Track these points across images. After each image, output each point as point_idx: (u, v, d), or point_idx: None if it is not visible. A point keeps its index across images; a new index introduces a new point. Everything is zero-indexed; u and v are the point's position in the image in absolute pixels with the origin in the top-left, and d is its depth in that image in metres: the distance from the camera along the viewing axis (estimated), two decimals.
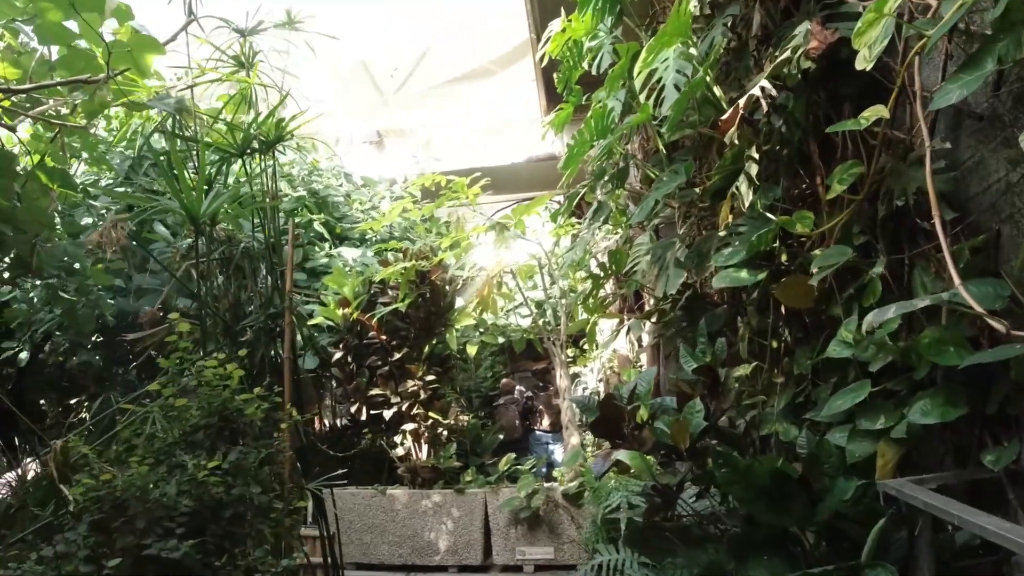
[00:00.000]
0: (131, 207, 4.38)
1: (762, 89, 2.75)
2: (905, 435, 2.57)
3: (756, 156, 3.01)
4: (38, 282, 6.02)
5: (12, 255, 5.04)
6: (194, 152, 4.16)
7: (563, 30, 5.00)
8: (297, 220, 7.64)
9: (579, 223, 6.12)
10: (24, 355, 7.59)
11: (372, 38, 9.50)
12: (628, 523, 3.76)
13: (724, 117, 2.84)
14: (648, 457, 3.05)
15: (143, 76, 3.59)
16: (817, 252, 3.13)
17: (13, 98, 4.15)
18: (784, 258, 3.29)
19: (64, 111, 4.61)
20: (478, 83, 9.11)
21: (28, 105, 4.73)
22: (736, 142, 2.93)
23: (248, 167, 4.35)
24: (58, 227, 5.84)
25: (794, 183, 3.52)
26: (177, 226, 5.89)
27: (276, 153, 4.47)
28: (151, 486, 2.70)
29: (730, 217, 3.27)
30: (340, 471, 4.45)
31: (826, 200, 3.24)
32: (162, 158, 4.18)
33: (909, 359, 2.66)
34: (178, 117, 3.92)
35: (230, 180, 5.32)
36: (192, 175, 3.92)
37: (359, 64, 9.44)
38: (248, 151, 4.08)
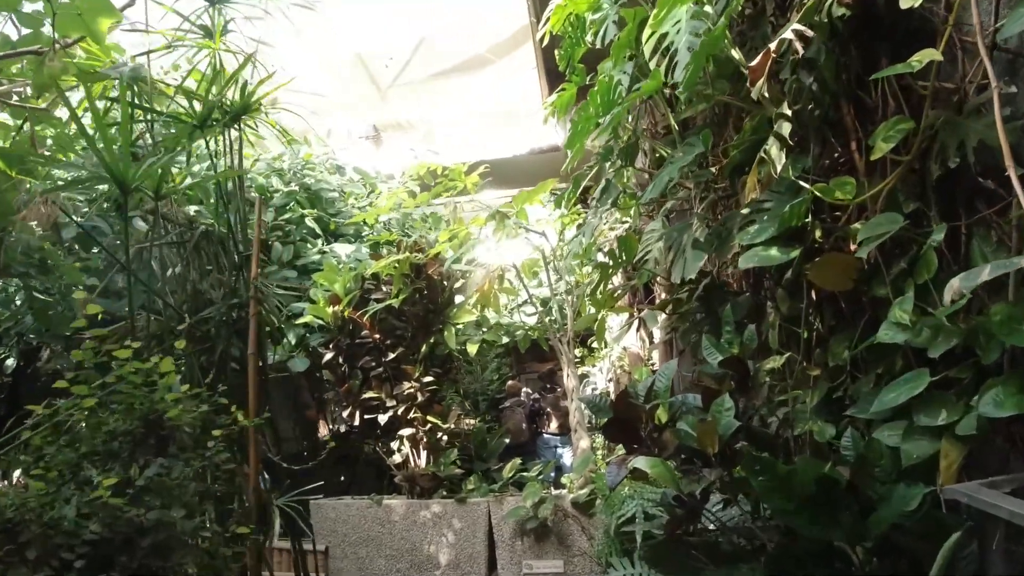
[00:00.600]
0: (80, 184, 3.98)
1: (795, 32, 2.37)
2: (974, 431, 2.19)
3: (788, 113, 2.62)
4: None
5: None
6: (152, 125, 3.79)
7: (564, 4, 4.63)
8: (288, 216, 7.30)
9: (585, 212, 5.74)
10: (10, 361, 7.28)
11: (368, 32, 9.15)
12: (645, 536, 3.37)
13: (753, 64, 2.46)
14: (669, 462, 2.67)
15: (97, 42, 3.23)
16: (857, 225, 2.75)
17: None
18: (818, 234, 2.90)
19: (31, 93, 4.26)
20: (476, 73, 8.75)
21: None
22: (766, 95, 2.54)
23: (213, 141, 3.97)
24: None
25: (825, 152, 3.15)
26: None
27: (248, 129, 4.11)
28: (48, 506, 2.28)
29: (757, 189, 2.90)
30: (316, 484, 4.05)
31: (864, 167, 2.87)
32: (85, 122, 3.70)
33: (975, 341, 2.27)
34: (135, 87, 3.56)
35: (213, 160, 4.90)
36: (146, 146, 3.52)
37: (354, 56, 9.08)
38: (211, 122, 3.70)
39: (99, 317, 3.49)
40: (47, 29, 3.40)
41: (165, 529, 2.37)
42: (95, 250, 6.19)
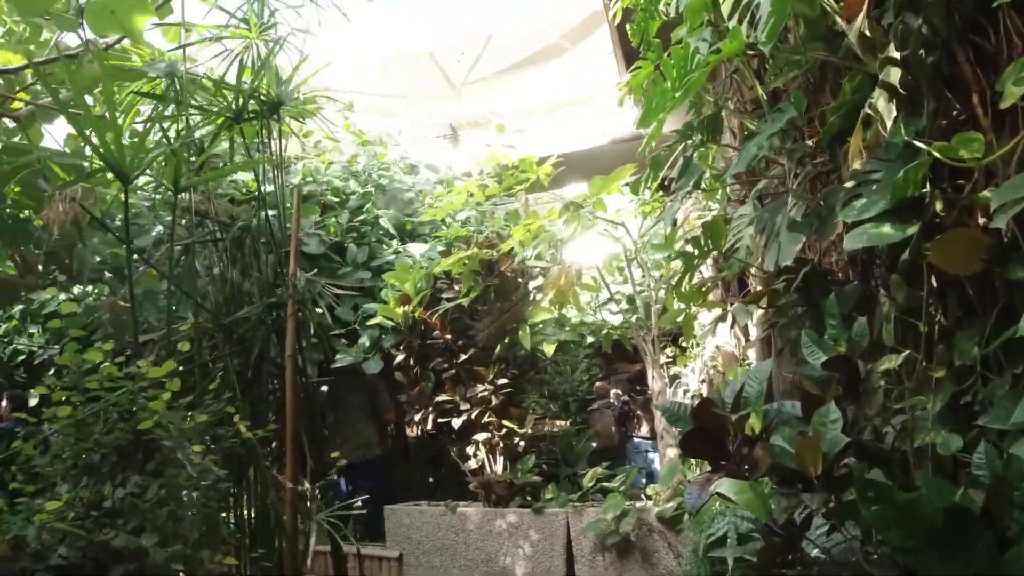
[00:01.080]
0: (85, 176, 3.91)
1: None
2: None
3: (896, 56, 2.17)
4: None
5: (44, 254, 4.75)
6: (188, 120, 3.65)
7: None
8: (363, 217, 7.21)
9: (669, 199, 5.32)
10: None
11: (437, 28, 8.97)
12: (737, 561, 2.94)
13: None
14: (763, 480, 2.25)
15: (134, 40, 3.11)
16: (986, 193, 2.26)
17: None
18: (939, 207, 2.41)
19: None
20: (551, 63, 8.40)
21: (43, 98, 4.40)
22: (867, 32, 2.10)
23: (256, 134, 3.80)
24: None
25: (940, 109, 2.65)
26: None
27: (323, 131, 3.93)
28: (11, 524, 2.08)
29: (863, 154, 2.44)
30: (357, 499, 3.81)
31: (991, 122, 2.38)
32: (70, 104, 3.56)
33: None
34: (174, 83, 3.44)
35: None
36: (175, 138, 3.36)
37: (427, 56, 8.91)
38: (248, 115, 3.52)
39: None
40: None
41: (137, 557, 2.14)
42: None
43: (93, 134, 2.88)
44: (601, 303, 7.01)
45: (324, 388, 6.62)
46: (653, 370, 5.37)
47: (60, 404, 2.60)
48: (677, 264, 5.70)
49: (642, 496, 5.49)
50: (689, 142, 4.21)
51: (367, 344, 6.25)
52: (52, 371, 6.06)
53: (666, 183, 5.15)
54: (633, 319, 5.83)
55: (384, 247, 7.06)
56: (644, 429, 7.86)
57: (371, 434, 7.25)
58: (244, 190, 6.32)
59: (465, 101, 9.30)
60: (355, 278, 6.37)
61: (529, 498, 5.63)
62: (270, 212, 4.18)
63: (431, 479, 7.82)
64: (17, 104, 4.57)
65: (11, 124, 4.51)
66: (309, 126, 6.56)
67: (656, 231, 5.21)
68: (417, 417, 6.04)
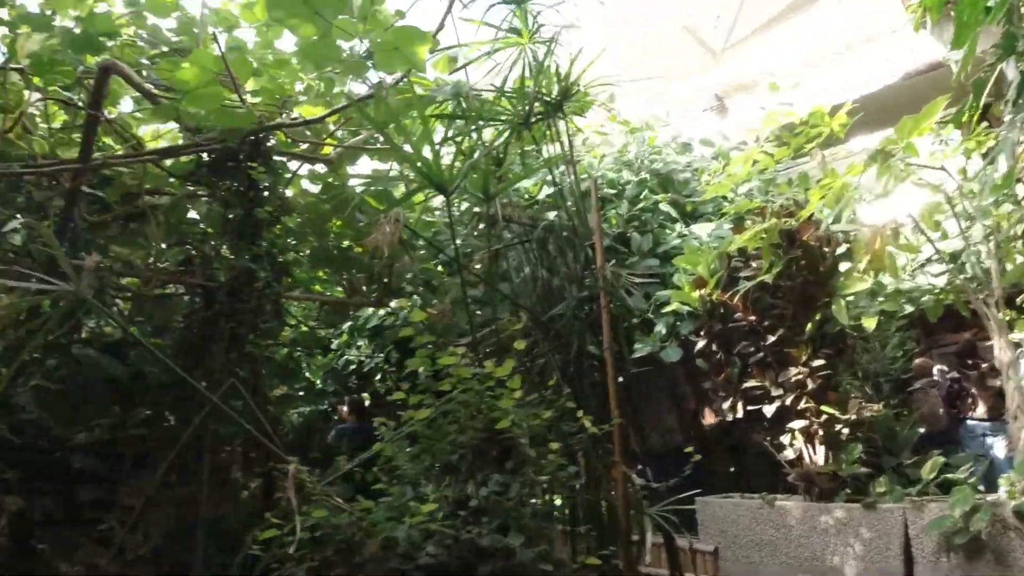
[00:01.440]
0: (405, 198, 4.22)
1: None
2: None
3: None
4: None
5: (373, 275, 5.35)
6: (481, 132, 3.82)
7: None
8: (642, 205, 7.14)
9: (994, 133, 4.47)
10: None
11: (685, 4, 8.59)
12: None
13: None
14: None
15: (419, 70, 3.38)
16: None
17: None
18: None
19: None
20: (812, 7, 7.58)
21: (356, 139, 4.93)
22: None
23: (543, 135, 3.86)
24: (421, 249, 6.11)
25: None
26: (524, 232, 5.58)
27: (573, 117, 3.95)
28: (378, 527, 2.17)
29: None
30: (692, 492, 3.64)
31: None
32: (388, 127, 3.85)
33: None
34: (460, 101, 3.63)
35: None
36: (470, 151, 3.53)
37: (680, 30, 8.58)
38: (534, 118, 3.60)
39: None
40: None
41: (504, 556, 2.16)
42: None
43: (411, 159, 3.17)
44: (918, 265, 6.13)
45: (620, 379, 6.66)
46: (1001, 339, 4.58)
47: (418, 407, 2.80)
48: (1007, 208, 4.78)
49: (981, 487, 4.70)
50: (1014, 57, 3.48)
51: (663, 332, 6.15)
52: (378, 377, 6.85)
53: (989, 119, 4.34)
54: (959, 279, 5.01)
55: (668, 232, 6.92)
56: (980, 410, 6.76)
57: (673, 423, 7.15)
58: (526, 195, 6.59)
59: (726, 67, 8.80)
60: (644, 266, 6.31)
61: (850, 491, 5.11)
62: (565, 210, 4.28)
63: (732, 468, 7.50)
64: (326, 150, 5.25)
65: (321, 169, 5.21)
66: (578, 123, 6.65)
67: (988, 171, 4.43)
68: (725, 405, 5.76)
